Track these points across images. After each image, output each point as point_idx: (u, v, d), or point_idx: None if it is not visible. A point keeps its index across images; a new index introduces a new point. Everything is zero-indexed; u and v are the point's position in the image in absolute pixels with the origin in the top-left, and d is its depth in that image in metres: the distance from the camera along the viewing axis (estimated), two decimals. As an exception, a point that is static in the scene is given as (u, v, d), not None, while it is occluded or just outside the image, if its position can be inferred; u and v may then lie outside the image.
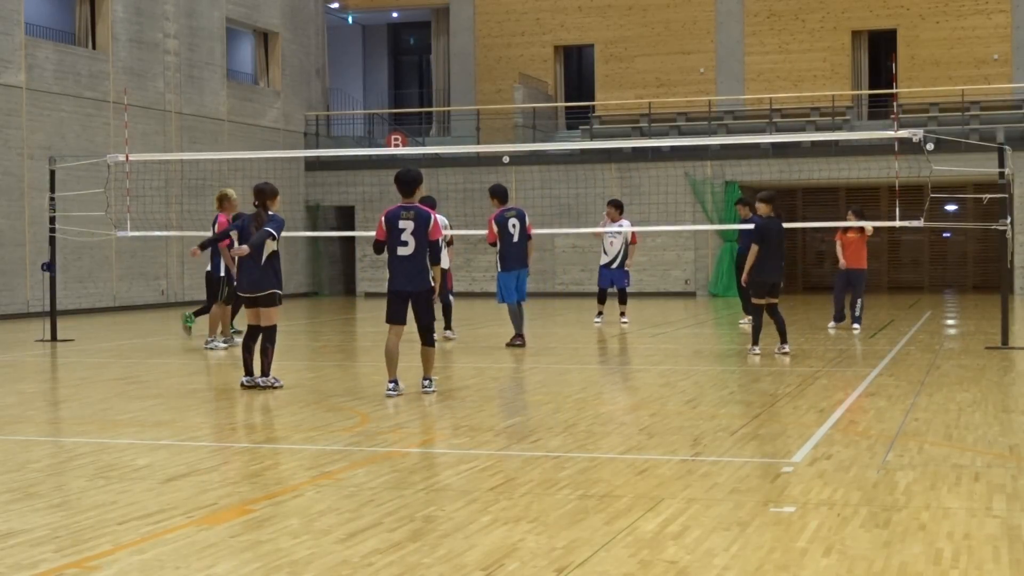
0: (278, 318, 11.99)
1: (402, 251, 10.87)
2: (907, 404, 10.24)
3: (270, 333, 11.79)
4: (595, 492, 6.81)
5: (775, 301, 14.69)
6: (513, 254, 15.78)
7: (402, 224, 10.85)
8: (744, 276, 14.97)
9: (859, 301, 18.33)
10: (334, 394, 11.63)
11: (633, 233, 20.05)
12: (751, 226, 19.92)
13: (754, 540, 5.71)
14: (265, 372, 11.75)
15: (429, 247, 10.91)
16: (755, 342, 14.58)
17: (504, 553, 5.50)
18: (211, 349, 15.90)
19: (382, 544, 5.68)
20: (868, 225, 18.36)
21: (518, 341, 15.85)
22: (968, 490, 6.76)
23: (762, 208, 14.87)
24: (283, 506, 6.56)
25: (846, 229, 18.47)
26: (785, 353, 14.48)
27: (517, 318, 15.88)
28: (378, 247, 11.11)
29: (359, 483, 7.18)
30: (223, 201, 15.94)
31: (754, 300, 14.80)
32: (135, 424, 9.75)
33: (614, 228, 19.70)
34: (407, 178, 10.97)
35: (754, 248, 14.62)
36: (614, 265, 19.78)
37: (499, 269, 15.85)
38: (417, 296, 10.93)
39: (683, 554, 5.46)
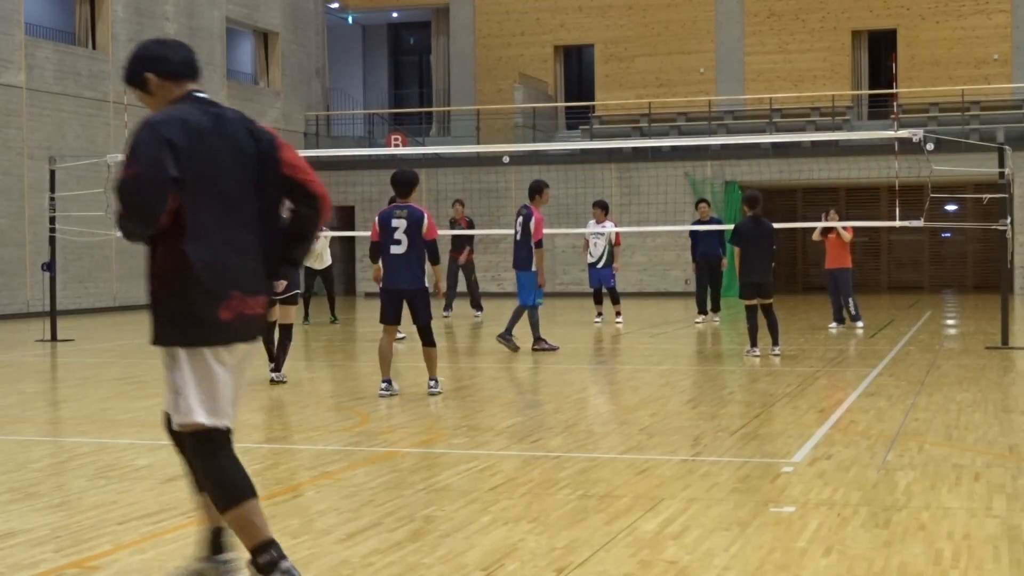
0: (294, 317, 12.53)
1: (395, 249, 10.84)
2: (907, 404, 10.24)
3: (288, 331, 12.22)
4: (595, 492, 6.81)
5: (767, 302, 14.56)
6: (513, 254, 15.60)
7: (395, 223, 10.84)
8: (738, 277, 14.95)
9: (850, 300, 18.34)
10: (334, 394, 11.63)
11: (617, 234, 20.03)
12: (716, 227, 20.26)
13: (754, 540, 5.70)
14: (278, 367, 12.07)
15: (427, 247, 10.90)
16: (753, 343, 14.53)
17: (504, 553, 5.50)
18: None
19: (382, 544, 5.68)
20: (845, 232, 18.31)
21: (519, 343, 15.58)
22: (968, 490, 6.76)
23: (744, 209, 14.86)
24: (283, 506, 6.56)
25: (827, 230, 18.50)
26: (776, 355, 14.42)
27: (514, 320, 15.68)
28: (373, 248, 11.17)
29: (359, 483, 7.18)
30: None
31: (744, 301, 14.77)
32: (135, 424, 9.75)
33: (597, 229, 19.72)
34: (404, 178, 10.97)
35: (736, 250, 14.62)
36: (600, 265, 19.78)
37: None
38: (411, 295, 10.89)
39: (683, 554, 5.46)
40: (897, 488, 6.83)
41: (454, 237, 22.41)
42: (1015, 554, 5.44)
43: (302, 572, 5.24)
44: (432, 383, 11.08)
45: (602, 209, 19.86)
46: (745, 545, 5.61)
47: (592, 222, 19.98)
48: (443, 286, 11.23)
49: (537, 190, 15.45)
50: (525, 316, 15.34)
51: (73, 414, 10.54)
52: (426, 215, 10.97)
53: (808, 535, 5.77)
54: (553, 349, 15.25)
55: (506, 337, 15.35)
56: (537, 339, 15.35)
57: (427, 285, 11.01)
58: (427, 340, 11.03)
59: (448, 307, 22.33)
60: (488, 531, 5.91)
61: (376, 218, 11.10)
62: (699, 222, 20.65)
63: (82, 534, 5.94)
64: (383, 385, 10.99)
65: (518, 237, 15.33)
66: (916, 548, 5.54)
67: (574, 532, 5.86)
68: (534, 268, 15.15)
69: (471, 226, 22.75)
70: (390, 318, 10.99)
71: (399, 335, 17.32)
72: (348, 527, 6.02)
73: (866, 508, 6.32)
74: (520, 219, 15.35)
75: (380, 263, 11.23)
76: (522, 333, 15.50)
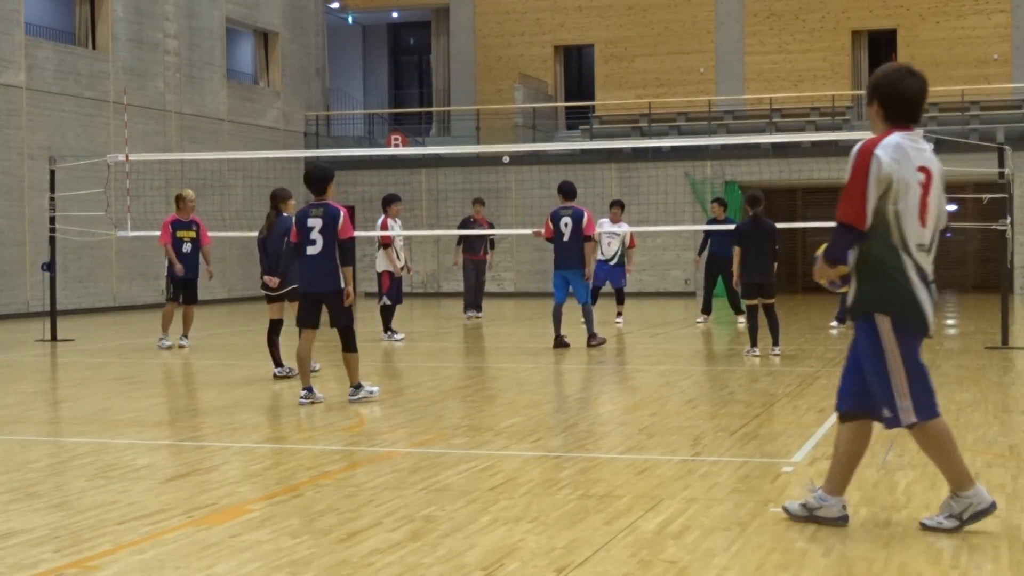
0: None
1: (310, 250, 10.48)
2: (907, 404, 10.22)
3: None
4: (595, 492, 6.81)
5: (769, 302, 14.56)
6: (561, 254, 15.60)
7: (311, 222, 10.48)
8: (735, 278, 14.87)
9: None
10: (334, 394, 11.62)
11: (632, 236, 20.06)
12: (730, 226, 20.01)
13: (754, 540, 5.71)
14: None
15: (341, 246, 10.47)
16: (752, 343, 14.53)
17: (504, 553, 5.50)
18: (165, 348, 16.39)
19: (382, 544, 5.68)
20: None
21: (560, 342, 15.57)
22: (968, 490, 6.75)
23: (746, 209, 14.84)
24: (283, 506, 6.56)
25: None
26: (776, 355, 14.41)
27: (556, 319, 15.68)
28: (292, 248, 10.80)
29: (359, 483, 7.18)
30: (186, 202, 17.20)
31: (746, 301, 14.80)
32: (135, 424, 9.75)
33: (613, 229, 19.73)
34: (315, 176, 10.57)
35: (736, 250, 14.63)
36: (612, 262, 19.78)
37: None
38: (327, 298, 10.54)
39: (683, 554, 5.46)
40: (897, 488, 6.83)
41: (466, 238, 22.07)
42: (1015, 554, 5.44)
43: (302, 572, 5.25)
44: (352, 390, 10.66)
45: (620, 208, 19.95)
46: (745, 545, 5.61)
47: (607, 221, 19.96)
48: (351, 291, 10.78)
49: (575, 191, 15.86)
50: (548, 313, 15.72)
51: (73, 414, 10.54)
52: (342, 212, 10.52)
53: (808, 535, 5.77)
54: (603, 341, 15.83)
55: (593, 338, 15.70)
56: (592, 334, 15.73)
57: (344, 286, 10.50)
58: (347, 344, 10.62)
59: (470, 307, 21.91)
60: (488, 531, 5.91)
61: (293, 218, 10.86)
62: (713, 221, 20.52)
63: (82, 534, 5.94)
64: (302, 393, 10.63)
65: (566, 238, 15.37)
66: (916, 548, 5.54)
67: (574, 532, 5.86)
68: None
69: (491, 228, 22.66)
70: (306, 321, 10.65)
71: (397, 336, 17.38)
72: (348, 527, 6.03)
73: (866, 508, 6.31)
74: (566, 220, 15.38)
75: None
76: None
